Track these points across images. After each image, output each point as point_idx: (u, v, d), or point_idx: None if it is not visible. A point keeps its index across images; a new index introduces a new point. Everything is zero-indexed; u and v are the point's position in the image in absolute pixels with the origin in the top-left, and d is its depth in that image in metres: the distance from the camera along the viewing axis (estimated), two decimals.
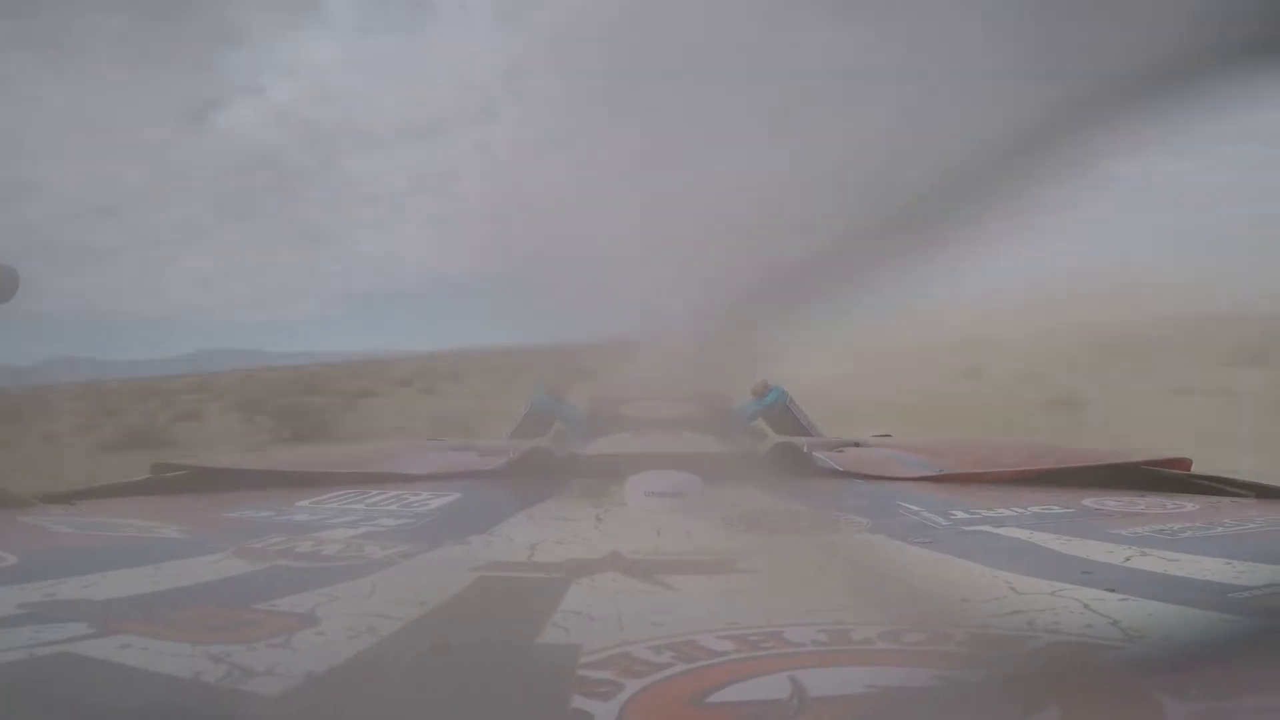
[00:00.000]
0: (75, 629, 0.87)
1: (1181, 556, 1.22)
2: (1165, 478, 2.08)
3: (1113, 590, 1.02)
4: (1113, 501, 1.80)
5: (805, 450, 2.53)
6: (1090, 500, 1.81)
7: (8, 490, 1.70)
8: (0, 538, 1.33)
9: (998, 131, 1.14)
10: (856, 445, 2.84)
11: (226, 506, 1.79)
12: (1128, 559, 1.23)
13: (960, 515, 1.65)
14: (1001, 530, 1.50)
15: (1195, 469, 2.14)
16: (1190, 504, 1.74)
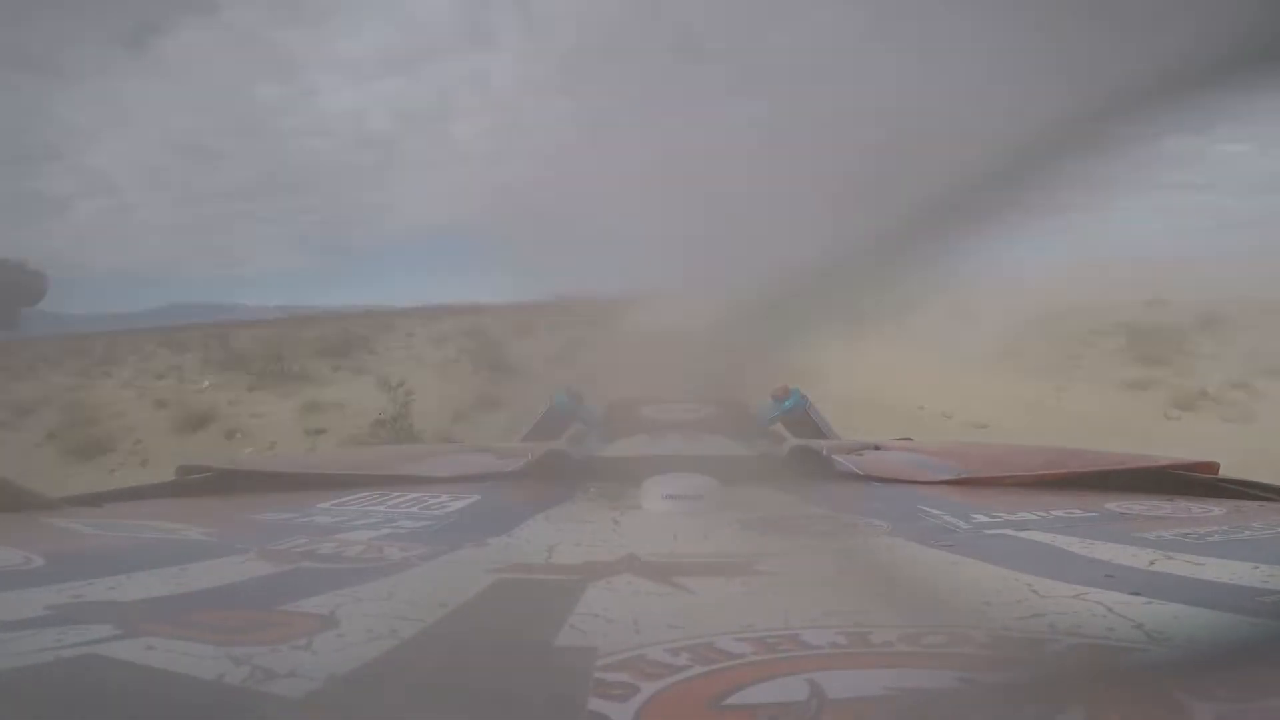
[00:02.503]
0: (101, 630, 0.88)
1: (1208, 560, 1.20)
2: (1192, 481, 2.04)
3: (1137, 594, 1.01)
4: (1137, 505, 1.78)
5: (824, 453, 2.52)
6: (1114, 504, 1.79)
7: (34, 492, 1.73)
8: (27, 540, 1.36)
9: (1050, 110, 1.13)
10: (876, 448, 2.82)
11: (251, 508, 1.81)
12: (1152, 562, 1.21)
13: (981, 518, 1.63)
14: (1023, 534, 1.48)
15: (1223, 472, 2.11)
16: (1217, 508, 1.71)
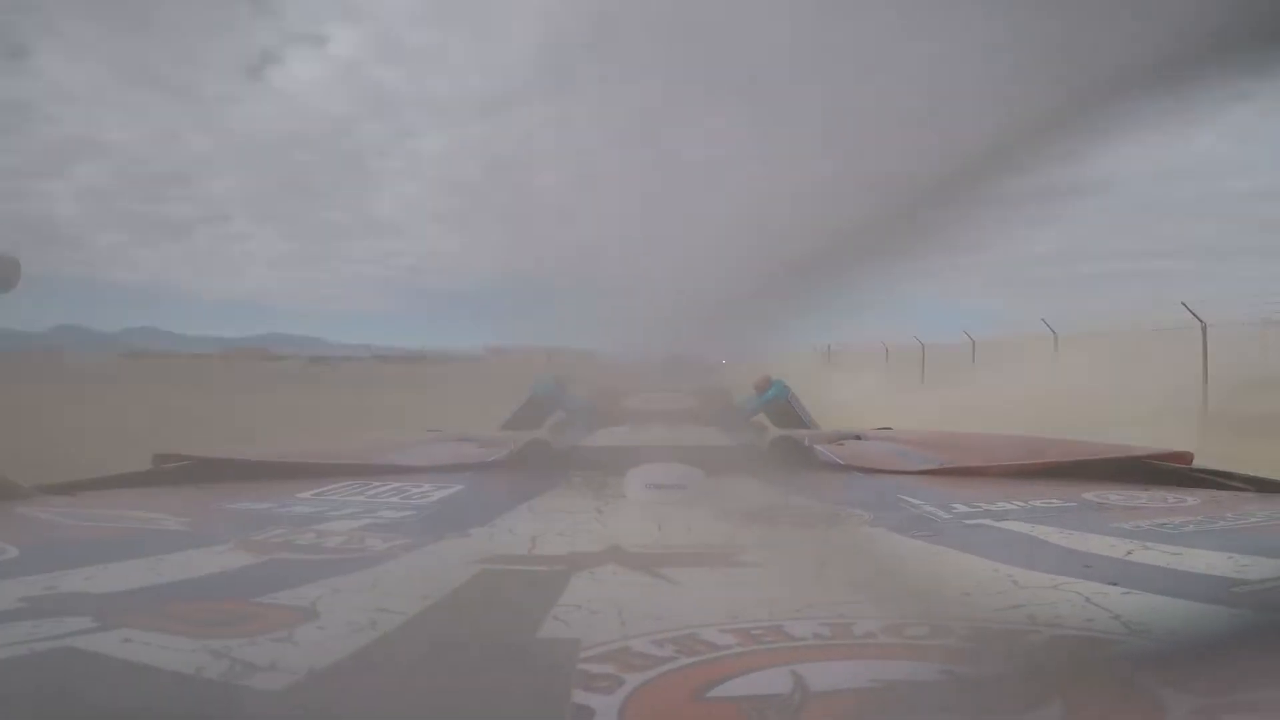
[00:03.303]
0: (76, 623, 0.86)
1: (1183, 550, 1.22)
2: (1167, 471, 2.07)
3: (1114, 584, 1.02)
4: (1114, 495, 1.80)
5: (806, 444, 2.53)
6: (1092, 494, 1.81)
7: (8, 480, 1.70)
8: (1, 529, 1.33)
9: (1013, 120, 1.13)
10: (858, 438, 2.84)
11: (228, 498, 1.79)
12: (1129, 553, 1.23)
13: (962, 509, 1.65)
14: (1003, 524, 1.50)
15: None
16: (1192, 498, 1.74)
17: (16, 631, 0.84)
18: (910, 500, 1.76)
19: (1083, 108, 1.01)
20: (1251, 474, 1.99)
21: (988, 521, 1.53)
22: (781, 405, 3.48)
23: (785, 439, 2.62)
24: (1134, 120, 1.02)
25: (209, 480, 2.07)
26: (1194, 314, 9.85)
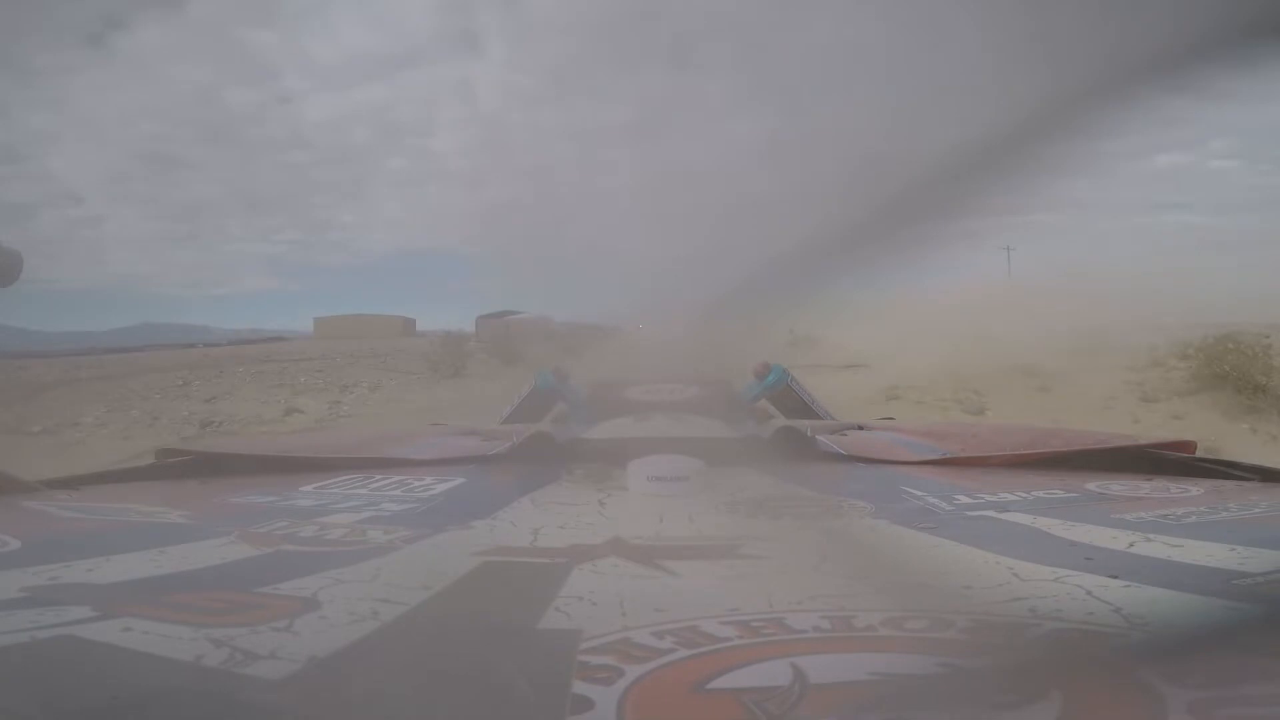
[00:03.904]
0: (78, 612, 0.87)
1: (1185, 542, 1.22)
2: (1169, 460, 2.07)
3: (1116, 576, 1.02)
4: (1117, 485, 1.80)
5: (808, 434, 2.53)
6: (1094, 484, 1.81)
7: (11, 475, 1.71)
8: (4, 522, 1.34)
9: (1000, 115, 1.13)
10: (860, 428, 2.84)
11: (231, 491, 1.80)
12: (1131, 544, 1.23)
13: (963, 500, 1.65)
14: (1005, 515, 1.50)
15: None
16: (1195, 488, 1.74)
17: (18, 620, 0.84)
18: (912, 491, 1.76)
19: (1078, 96, 1.01)
20: (1256, 463, 1.98)
21: (990, 513, 1.53)
22: (782, 389, 3.47)
23: (787, 429, 2.62)
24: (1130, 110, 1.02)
25: (212, 474, 2.07)
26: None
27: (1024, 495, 1.67)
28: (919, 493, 1.74)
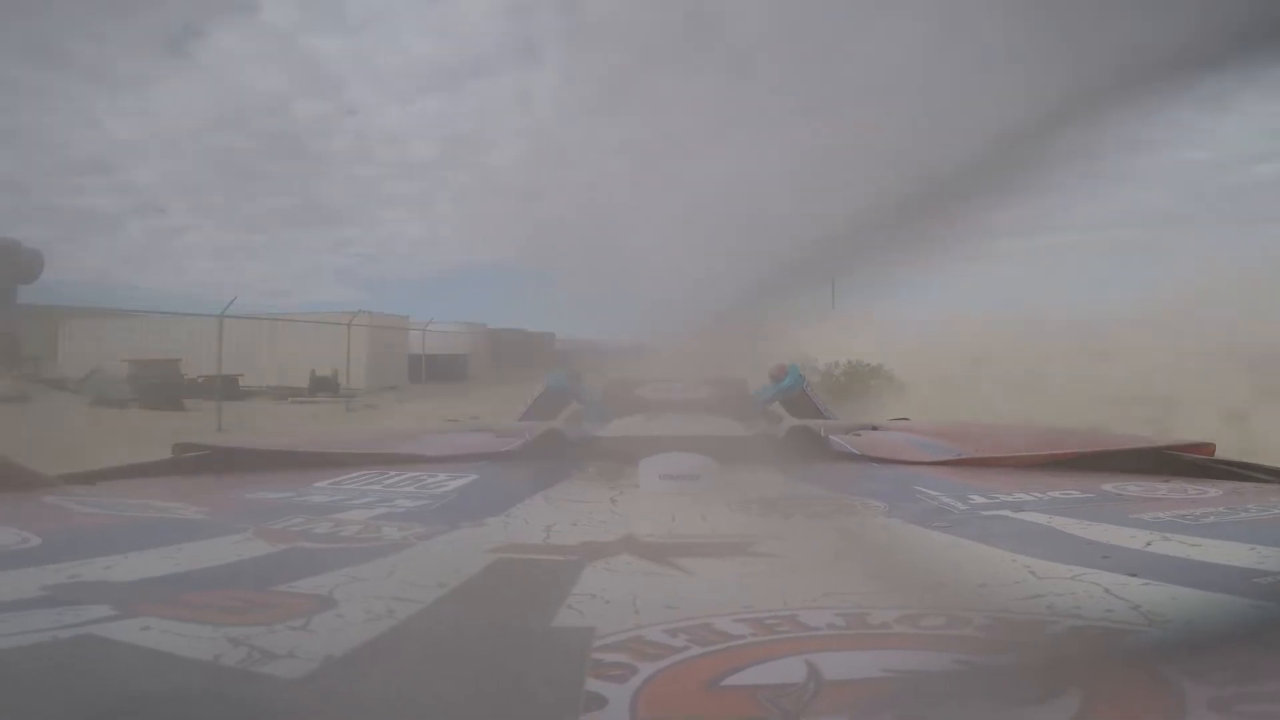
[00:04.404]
0: (97, 611, 0.88)
1: (1204, 541, 1.20)
2: (1188, 463, 2.05)
3: (1134, 575, 1.01)
4: (1134, 486, 1.78)
5: (822, 434, 2.52)
6: (1111, 485, 1.79)
7: (31, 470, 1.72)
8: (24, 518, 1.35)
9: (1010, 123, 1.13)
10: (874, 429, 2.82)
11: (247, 487, 1.81)
12: (1149, 544, 1.22)
13: (979, 500, 1.64)
14: (1021, 515, 1.48)
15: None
16: (1213, 489, 1.72)
17: (40, 619, 0.85)
18: (927, 491, 1.75)
19: (1087, 100, 1.00)
20: (1274, 465, 1.96)
21: (1005, 513, 1.52)
22: (797, 394, 3.46)
23: (800, 429, 2.62)
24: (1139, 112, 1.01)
25: (228, 470, 2.09)
26: None
27: (1039, 495, 1.66)
28: (933, 492, 1.73)
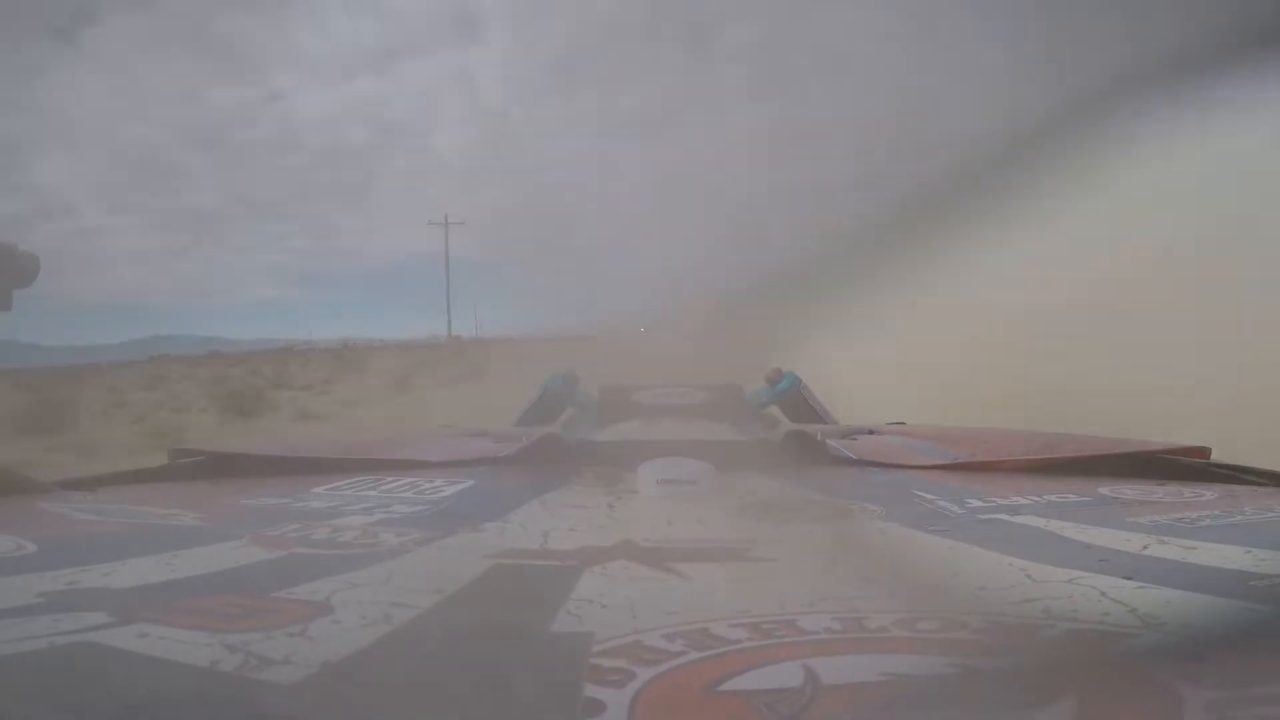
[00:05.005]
0: (94, 618, 0.87)
1: (1200, 544, 1.21)
2: (1183, 466, 2.06)
3: (1130, 578, 1.01)
4: (1130, 489, 1.79)
5: (819, 438, 2.53)
6: (1107, 488, 1.80)
7: (28, 476, 1.72)
8: (20, 525, 1.35)
9: (1012, 120, 1.13)
10: (870, 433, 2.83)
11: (244, 493, 1.81)
12: (1145, 547, 1.22)
13: (975, 503, 1.64)
14: (1017, 518, 1.49)
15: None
16: (1209, 492, 1.72)
17: (36, 626, 0.85)
18: (923, 495, 1.76)
19: (1087, 104, 1.01)
20: (1269, 469, 1.97)
21: (1002, 516, 1.52)
22: (794, 397, 3.47)
23: (797, 433, 2.62)
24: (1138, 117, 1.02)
25: (224, 476, 2.09)
26: None
27: (1036, 499, 1.66)
28: (930, 496, 1.74)
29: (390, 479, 1.98)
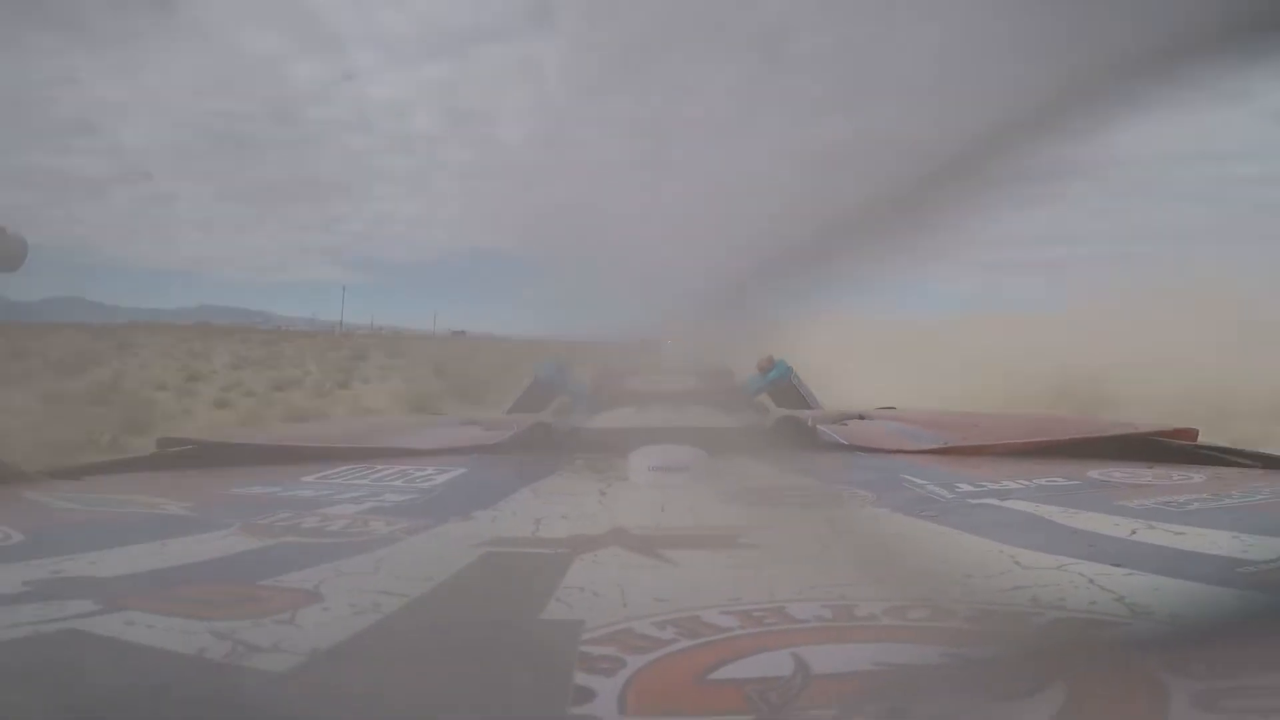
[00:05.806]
0: (81, 606, 0.87)
1: (1188, 530, 1.22)
2: (1172, 448, 2.07)
3: (1118, 565, 1.02)
4: (1119, 473, 1.80)
5: (810, 424, 2.53)
6: (1096, 472, 1.81)
7: (14, 465, 1.71)
8: (6, 514, 1.34)
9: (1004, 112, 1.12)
10: (861, 418, 2.83)
11: (233, 482, 1.80)
12: (1134, 532, 1.23)
13: (965, 488, 1.65)
14: (1007, 503, 1.49)
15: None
16: (1197, 475, 1.73)
17: (22, 614, 0.84)
18: (914, 480, 1.76)
19: (1083, 92, 1.00)
20: (1258, 450, 1.98)
21: (992, 501, 1.53)
22: (785, 385, 3.47)
23: (788, 419, 2.62)
24: (1134, 104, 1.01)
25: (213, 464, 2.07)
26: None
27: (1026, 483, 1.67)
28: (920, 481, 1.74)
29: (381, 467, 1.98)
